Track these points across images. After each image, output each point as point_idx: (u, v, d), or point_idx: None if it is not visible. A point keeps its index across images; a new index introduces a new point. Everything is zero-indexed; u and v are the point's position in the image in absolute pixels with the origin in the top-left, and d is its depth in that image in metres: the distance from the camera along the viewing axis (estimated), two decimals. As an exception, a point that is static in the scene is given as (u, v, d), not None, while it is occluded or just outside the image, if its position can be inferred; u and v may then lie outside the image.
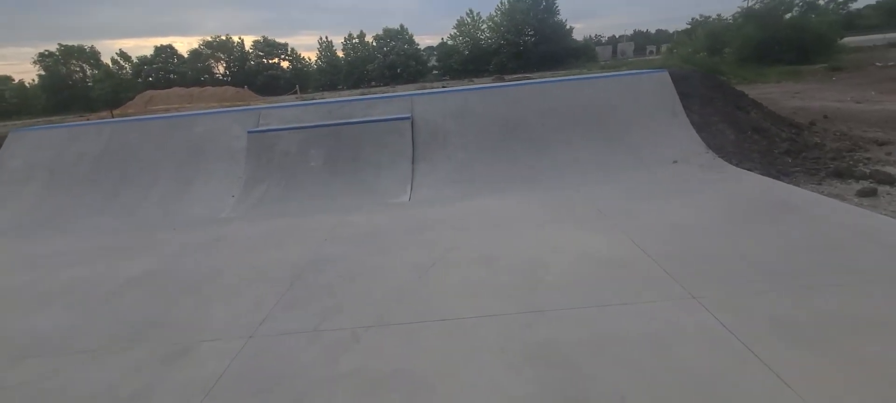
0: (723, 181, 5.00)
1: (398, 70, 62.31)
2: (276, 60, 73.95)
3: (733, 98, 7.55)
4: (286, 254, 3.94)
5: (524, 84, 8.25)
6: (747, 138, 6.42)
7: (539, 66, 52.77)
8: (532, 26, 60.92)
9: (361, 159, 6.21)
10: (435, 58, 68.76)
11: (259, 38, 74.81)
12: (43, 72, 66.07)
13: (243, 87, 44.92)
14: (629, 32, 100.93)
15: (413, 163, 6.19)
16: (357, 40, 69.16)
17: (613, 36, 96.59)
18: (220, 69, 73.32)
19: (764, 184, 4.80)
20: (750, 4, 28.66)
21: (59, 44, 66.66)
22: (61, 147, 7.10)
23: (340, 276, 3.37)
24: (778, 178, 5.08)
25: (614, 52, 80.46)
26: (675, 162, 5.76)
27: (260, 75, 67.95)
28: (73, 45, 67.01)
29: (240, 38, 73.40)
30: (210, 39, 72.58)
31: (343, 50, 69.59)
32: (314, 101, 9.05)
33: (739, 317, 2.38)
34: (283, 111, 7.19)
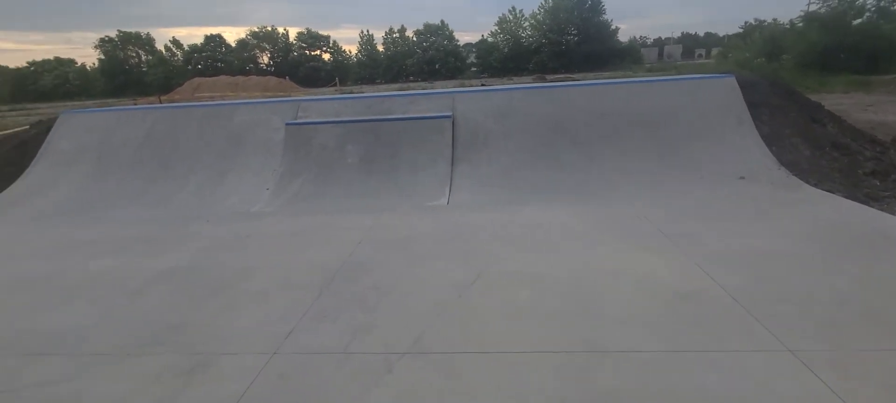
0: (801, 203, 4.43)
1: (437, 66, 62.17)
2: (318, 52, 75.35)
3: (808, 109, 6.83)
4: (317, 256, 3.72)
5: (572, 85, 7.80)
6: (825, 155, 5.75)
7: (581, 67, 51.45)
8: (576, 25, 59.37)
9: (399, 157, 5.97)
10: (474, 55, 68.27)
11: (303, 29, 76.48)
12: (102, 57, 69.87)
13: (285, 78, 45.89)
14: (676, 34, 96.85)
15: (452, 164, 5.89)
16: (397, 35, 69.48)
17: (659, 38, 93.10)
18: (265, 59, 75.38)
19: (852, 209, 4.21)
20: (814, 8, 26.69)
21: (119, 30, 70.29)
22: (108, 131, 7.21)
23: (373, 287, 3.11)
24: (866, 204, 4.46)
25: (660, 54, 77.46)
26: (741, 178, 5.20)
27: (302, 66, 69.39)
28: (131, 32, 70.53)
29: (285, 30, 75.15)
30: (257, 30, 74.71)
31: (383, 44, 70.10)
32: (354, 95, 8.90)
33: (851, 382, 1.95)
34: (323, 104, 7.04)
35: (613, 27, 61.60)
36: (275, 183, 5.91)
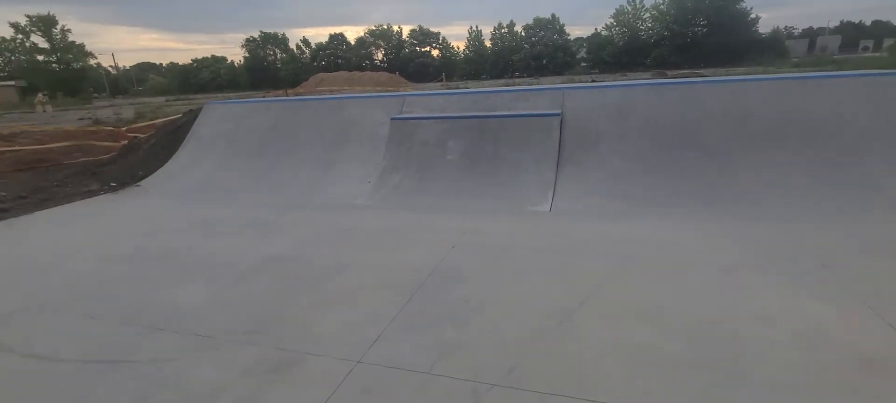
0: None
1: (544, 61, 60.41)
2: (427, 49, 77.94)
3: None
4: (411, 257, 3.60)
5: (703, 81, 6.78)
6: None
7: (709, 61, 46.02)
8: (706, 15, 53.28)
9: (501, 157, 5.67)
10: (584, 49, 64.99)
11: (415, 27, 79.62)
12: (247, 55, 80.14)
13: (395, 73, 48.15)
14: (832, 23, 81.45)
15: (557, 166, 5.43)
16: (506, 30, 68.90)
17: (810, 28, 79.36)
18: (379, 56, 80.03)
19: None
20: None
21: (261, 31, 79.93)
22: (239, 120, 7.99)
23: (464, 299, 2.87)
24: None
25: (812, 46, 66.03)
26: (946, 204, 3.99)
27: (412, 62, 72.37)
28: (270, 33, 79.79)
29: (399, 27, 78.97)
30: (374, 28, 79.62)
31: (491, 39, 70.09)
32: (460, 91, 8.79)
33: None
34: (428, 99, 7.02)
35: (753, 16, 54.12)
36: (377, 177, 6.00)
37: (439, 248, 3.74)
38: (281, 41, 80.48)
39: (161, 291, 3.26)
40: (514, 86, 16.38)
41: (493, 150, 5.76)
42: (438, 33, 78.32)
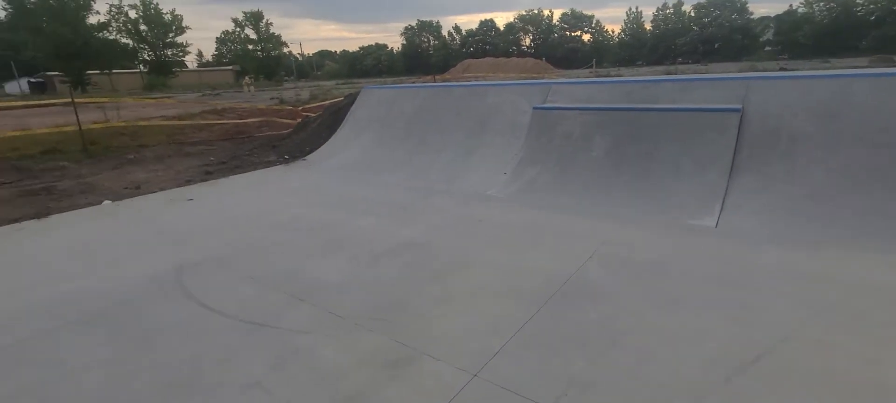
0: None
1: (716, 45, 52.38)
2: (578, 33, 74.05)
3: None
4: (542, 262, 3.31)
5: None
6: None
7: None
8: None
9: (656, 157, 4.93)
10: (771, 31, 54.43)
11: (567, 10, 76.18)
12: (404, 42, 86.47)
13: (542, 59, 46.79)
14: None
15: (730, 173, 4.50)
16: (671, 11, 61.49)
17: None
18: (527, 41, 78.82)
19: None
20: None
21: (418, 19, 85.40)
22: (390, 104, 8.50)
23: (600, 324, 2.50)
24: None
25: None
26: None
27: (560, 48, 69.63)
28: (426, 20, 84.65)
29: (550, 12, 76.57)
30: (524, 13, 78.54)
31: (652, 22, 63.32)
32: (612, 79, 8.00)
33: None
34: (575, 88, 6.49)
35: None
36: (513, 168, 5.77)
37: (575, 256, 3.37)
38: (435, 28, 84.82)
39: (308, 262, 3.56)
40: (676, 74, 14.42)
41: (648, 149, 5.04)
42: (592, 16, 73.75)
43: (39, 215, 5.38)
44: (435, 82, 19.54)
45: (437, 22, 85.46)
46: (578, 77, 25.58)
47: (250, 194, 5.93)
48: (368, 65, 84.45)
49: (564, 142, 5.66)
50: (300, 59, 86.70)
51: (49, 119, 12.56)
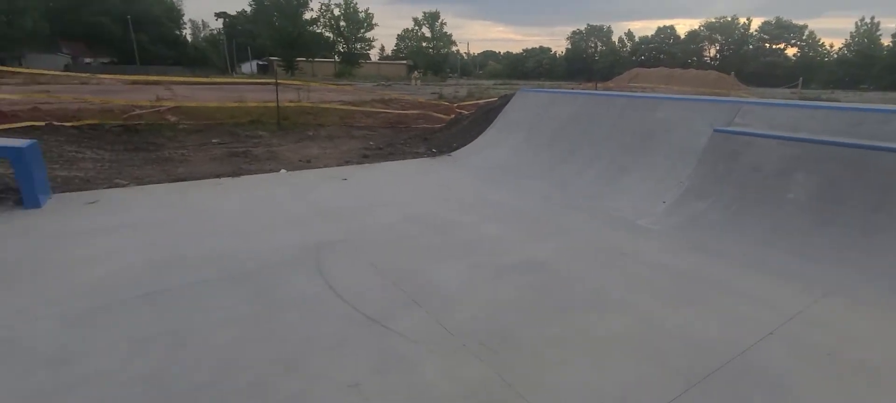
0: None
1: None
2: (782, 46, 62.21)
3: None
4: (699, 325, 2.65)
5: None
6: None
7: None
8: None
9: (888, 211, 3.64)
10: None
11: (770, 19, 64.50)
12: (569, 46, 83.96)
13: (730, 74, 40.48)
14: None
15: None
16: (931, 22, 47.25)
17: None
18: (711, 52, 69.30)
19: None
20: None
21: (588, 24, 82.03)
22: (543, 108, 8.11)
23: (779, 435, 1.83)
24: None
25: None
26: None
27: (755, 62, 59.43)
28: (596, 25, 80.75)
29: (747, 19, 65.87)
30: (713, 21, 69.13)
31: (894, 36, 49.64)
32: (828, 104, 6.33)
33: None
34: (774, 111, 5.25)
35: None
36: (675, 197, 4.92)
37: (749, 327, 2.62)
38: (605, 33, 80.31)
39: (430, 263, 3.48)
40: (933, 104, 10.92)
41: (878, 198, 3.75)
42: (803, 27, 61.15)
43: (234, 174, 6.45)
44: (596, 90, 18.32)
45: (609, 27, 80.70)
46: (776, 98, 21.39)
47: (394, 182, 6.21)
48: (529, 67, 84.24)
49: (750, 175, 4.60)
50: (465, 57, 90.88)
51: (260, 95, 15.26)
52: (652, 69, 41.21)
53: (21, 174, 4.48)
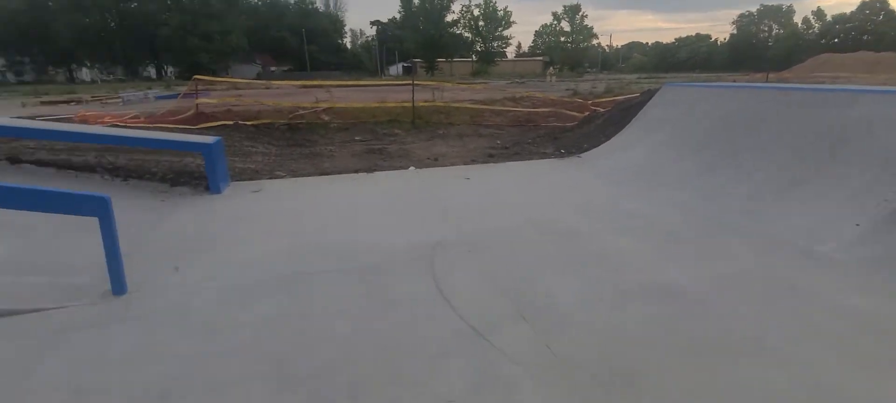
0: None
1: None
2: None
3: None
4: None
5: None
6: None
7: None
8: None
9: None
10: None
11: None
12: (735, 32, 72.82)
13: (977, 55, 30.70)
14: None
15: None
16: None
17: None
18: (948, 28, 53.34)
19: None
20: None
21: (761, 5, 70.15)
22: (692, 105, 7.09)
23: None
24: None
25: None
26: None
27: None
28: (772, 5, 68.56)
29: None
30: (950, -14, 53.20)
31: None
32: None
33: None
34: None
35: None
36: (878, 219, 3.81)
37: None
38: (784, 14, 67.67)
39: (544, 273, 3.25)
40: None
41: None
42: None
43: (369, 170, 6.98)
44: (766, 82, 15.47)
45: (789, 6, 67.37)
46: None
47: (518, 183, 6.04)
48: (681, 58, 75.35)
49: None
50: (607, 50, 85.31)
51: (398, 95, 16.36)
52: (849, 54, 33.20)
53: (208, 165, 5.46)
